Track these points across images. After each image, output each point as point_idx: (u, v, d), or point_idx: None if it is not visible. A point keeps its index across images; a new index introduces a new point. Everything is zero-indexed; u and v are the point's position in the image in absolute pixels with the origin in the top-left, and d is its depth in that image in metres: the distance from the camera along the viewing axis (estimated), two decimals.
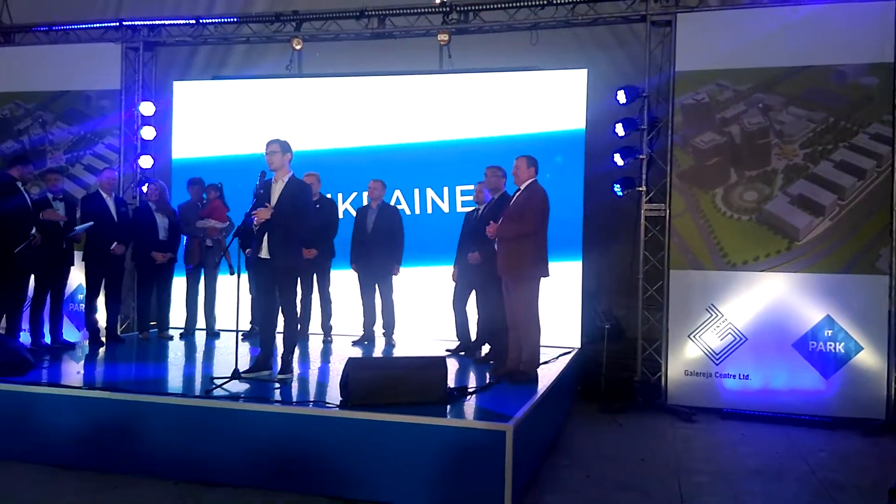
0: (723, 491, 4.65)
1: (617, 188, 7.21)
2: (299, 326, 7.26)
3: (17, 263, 6.23)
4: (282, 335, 5.40)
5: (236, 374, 5.09)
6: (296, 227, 5.28)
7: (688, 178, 7.00)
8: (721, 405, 6.72)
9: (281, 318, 5.38)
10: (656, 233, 7.19)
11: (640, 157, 7.24)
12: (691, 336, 6.90)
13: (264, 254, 5.26)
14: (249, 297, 7.29)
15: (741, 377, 6.74)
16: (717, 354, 6.83)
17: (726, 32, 6.92)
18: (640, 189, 7.24)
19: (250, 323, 7.47)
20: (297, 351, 5.52)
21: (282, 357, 5.34)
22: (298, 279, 5.59)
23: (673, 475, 4.91)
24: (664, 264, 7.07)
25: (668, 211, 7.05)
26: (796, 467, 5.19)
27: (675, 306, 6.96)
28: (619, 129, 7.17)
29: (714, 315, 6.84)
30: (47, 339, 6.74)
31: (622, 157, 7.18)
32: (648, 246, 7.24)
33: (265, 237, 5.24)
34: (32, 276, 6.66)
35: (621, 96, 7.15)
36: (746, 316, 6.75)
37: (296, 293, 5.47)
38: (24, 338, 6.56)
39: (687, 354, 6.91)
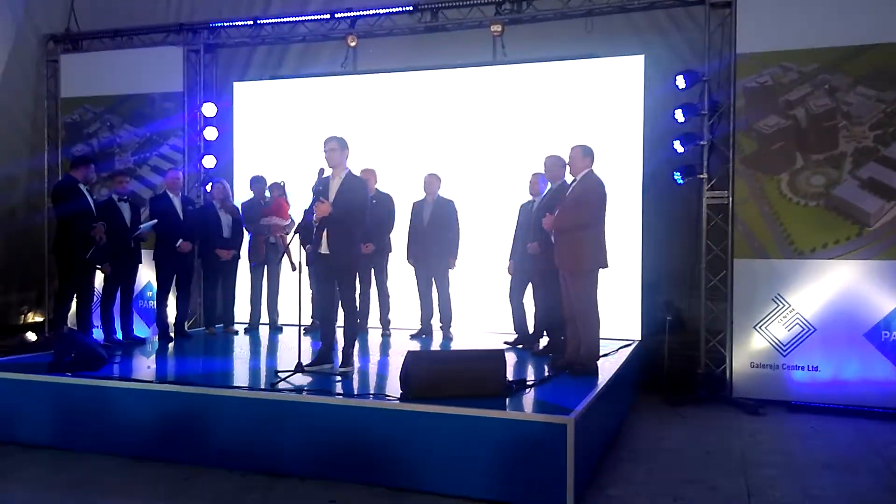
0: (792, 485, 4.52)
1: (677, 176, 7.05)
2: (358, 321, 7.43)
3: (84, 262, 6.47)
4: (342, 329, 5.48)
5: (300, 368, 5.20)
6: (354, 223, 5.35)
7: (751, 163, 6.80)
8: (789, 397, 6.53)
9: (341, 313, 5.47)
10: (719, 221, 7.02)
11: (702, 143, 7.06)
12: (757, 327, 6.72)
13: (324, 249, 5.35)
14: (310, 292, 7.43)
15: (810, 369, 6.54)
16: (784, 346, 6.63)
17: (789, 12, 6.68)
18: (702, 176, 7.07)
19: (311, 317, 7.60)
20: (356, 344, 5.60)
21: (342, 350, 5.43)
22: (357, 274, 5.67)
23: (740, 469, 4.80)
24: (728, 253, 6.90)
25: (731, 198, 6.87)
26: (869, 461, 5.01)
27: (740, 296, 6.79)
28: (679, 115, 7.01)
29: (781, 305, 6.65)
30: (119, 335, 7.00)
31: (682, 144, 7.02)
32: (711, 235, 7.08)
33: (324, 233, 5.33)
34: (101, 274, 6.92)
35: (680, 81, 6.99)
36: (815, 306, 6.54)
37: (355, 288, 5.55)
38: (97, 334, 6.83)
39: (752, 346, 6.73)
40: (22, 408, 5.12)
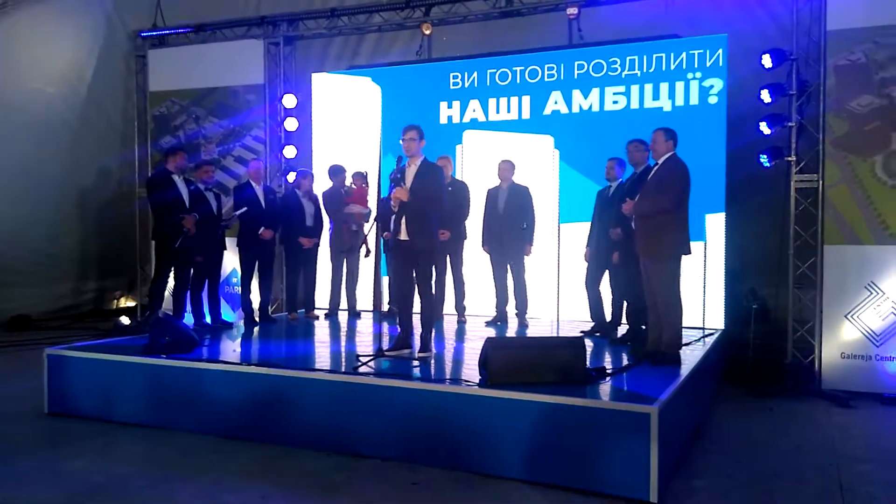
0: (887, 480, 4.34)
1: (763, 159, 6.81)
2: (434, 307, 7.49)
3: (180, 252, 6.75)
4: (419, 315, 5.55)
5: (380, 352, 5.29)
6: (431, 209, 5.41)
7: (843, 145, 6.50)
8: (881, 389, 6.25)
9: (418, 299, 5.53)
10: (808, 206, 6.75)
11: (789, 124, 6.79)
12: (848, 316, 6.45)
13: (403, 236, 5.41)
14: (388, 279, 7.54)
15: None
16: (877, 336, 6.34)
17: None
18: (790, 159, 6.81)
19: (389, 304, 7.72)
20: (433, 331, 5.65)
21: (421, 336, 5.50)
22: (435, 260, 5.71)
23: (831, 463, 4.63)
24: (817, 239, 6.63)
25: (821, 182, 6.59)
26: None
27: (830, 284, 6.52)
28: (766, 96, 6.75)
29: (874, 293, 6.35)
30: (207, 319, 7.27)
31: (769, 126, 6.77)
32: (799, 220, 6.82)
33: (403, 220, 5.39)
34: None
35: (767, 60, 6.72)
36: None
37: (432, 274, 5.60)
38: (188, 318, 7.11)
39: (843, 336, 6.46)
40: (119, 388, 5.39)
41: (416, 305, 5.56)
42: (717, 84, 7.21)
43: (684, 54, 7.36)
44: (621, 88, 7.58)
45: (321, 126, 9.03)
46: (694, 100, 7.30)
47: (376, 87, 8.68)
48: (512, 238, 7.17)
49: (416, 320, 5.60)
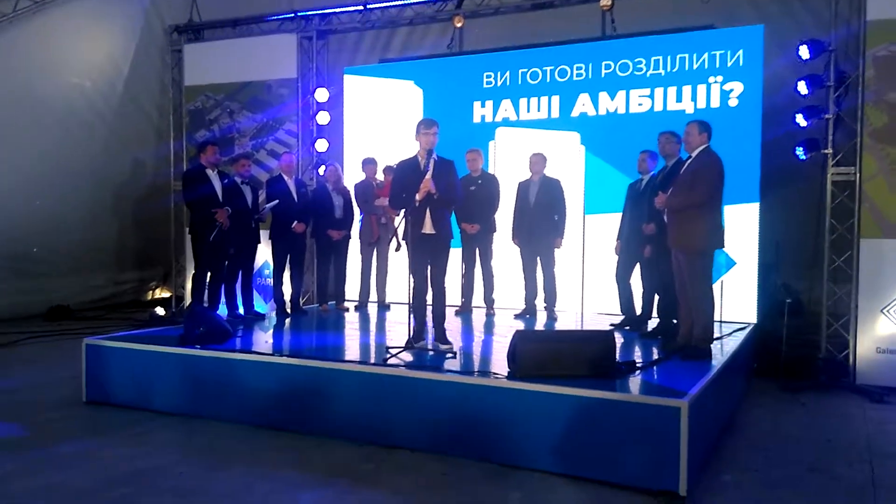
0: None
1: (799, 151, 6.71)
2: (463, 300, 7.50)
3: (215, 245, 6.86)
4: (432, 309, 5.52)
5: (409, 345, 5.34)
6: (451, 203, 5.50)
7: (882, 137, 6.38)
8: None
9: (431, 291, 5.50)
10: (844, 198, 6.65)
11: (827, 116, 6.69)
12: (884, 311, 6.34)
13: (428, 229, 5.42)
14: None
15: None
16: None
17: None
18: (826, 151, 6.71)
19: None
20: (459, 321, 5.56)
21: (435, 330, 5.50)
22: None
23: (864, 458, 4.57)
24: (853, 233, 6.52)
25: (858, 174, 6.48)
26: None
27: (866, 278, 6.41)
28: (802, 88, 6.65)
29: None
30: (240, 311, 7.39)
31: (805, 118, 6.67)
32: (835, 213, 6.72)
33: (427, 213, 5.41)
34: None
35: (804, 52, 6.62)
36: None
37: (447, 269, 5.61)
38: (222, 310, 7.23)
39: (879, 331, 6.36)
40: (155, 377, 5.51)
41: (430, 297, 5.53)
42: (736, 87, 7.15)
43: (719, 45, 7.26)
44: (646, 91, 7.57)
45: (353, 119, 9.08)
46: (715, 102, 7.25)
47: (410, 85, 8.68)
48: (542, 230, 7.15)
49: (430, 312, 5.56)
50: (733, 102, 7.18)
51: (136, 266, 11.58)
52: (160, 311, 10.02)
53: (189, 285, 7.73)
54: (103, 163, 10.48)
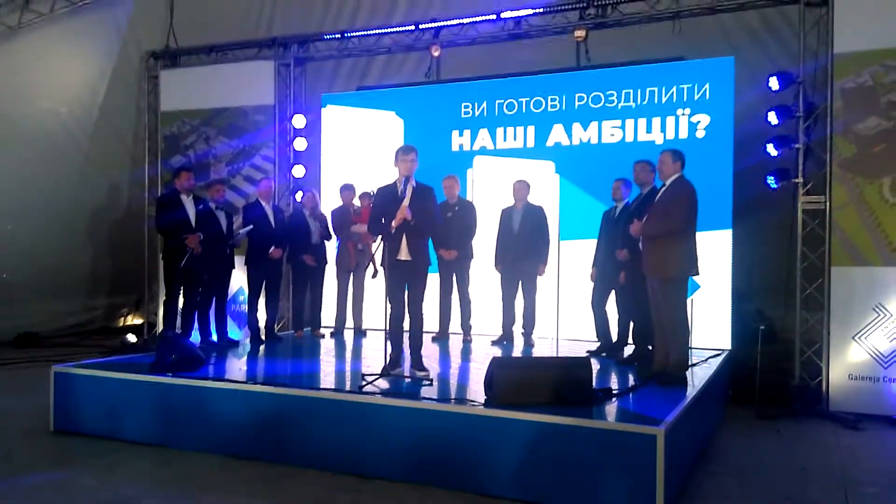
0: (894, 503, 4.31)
1: (770, 180, 6.84)
2: (440, 326, 7.48)
3: (186, 271, 6.78)
4: (409, 335, 5.51)
5: (386, 372, 5.29)
6: (428, 229, 5.51)
7: (850, 167, 6.52)
8: (890, 412, 6.22)
9: (408, 318, 5.50)
10: (815, 227, 6.76)
11: (796, 146, 6.83)
12: (856, 338, 6.42)
13: (403, 256, 5.42)
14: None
15: None
16: (885, 358, 6.31)
17: (891, 7, 6.38)
18: (797, 181, 6.83)
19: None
20: (436, 348, 5.58)
21: (412, 357, 5.47)
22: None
23: (838, 486, 4.59)
24: (824, 261, 6.62)
25: (828, 203, 6.60)
26: None
27: (838, 306, 6.50)
28: (773, 118, 6.80)
29: (882, 315, 6.33)
30: (214, 338, 7.29)
31: (776, 147, 6.81)
32: (806, 241, 6.82)
33: (403, 239, 5.40)
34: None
35: (774, 83, 6.78)
36: None
37: (424, 295, 5.59)
38: (195, 336, 7.14)
39: (851, 358, 6.44)
40: (126, 406, 5.39)
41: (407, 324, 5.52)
42: (703, 119, 7.31)
43: (675, 88, 7.45)
44: (618, 122, 7.71)
45: (330, 146, 9.09)
46: (683, 133, 7.41)
47: (390, 115, 8.72)
48: (526, 257, 7.16)
49: (407, 339, 5.55)
50: (700, 134, 7.34)
51: (109, 292, 11.40)
52: (132, 337, 9.85)
53: (161, 312, 7.62)
54: (77, 188, 10.37)
